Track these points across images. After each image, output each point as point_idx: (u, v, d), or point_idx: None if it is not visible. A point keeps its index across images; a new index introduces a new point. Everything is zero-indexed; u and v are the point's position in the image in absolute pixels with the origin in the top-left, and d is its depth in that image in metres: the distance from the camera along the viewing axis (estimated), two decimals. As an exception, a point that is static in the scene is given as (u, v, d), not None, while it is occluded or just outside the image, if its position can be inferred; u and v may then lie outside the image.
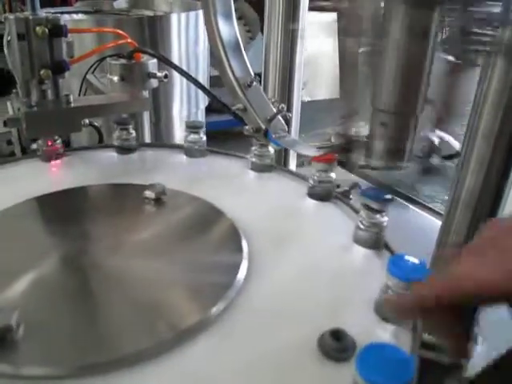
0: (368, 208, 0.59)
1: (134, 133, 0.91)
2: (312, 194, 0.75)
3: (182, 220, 0.68)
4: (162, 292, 0.52)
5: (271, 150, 0.84)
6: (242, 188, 0.80)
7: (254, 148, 0.84)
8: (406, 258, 0.49)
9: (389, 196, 0.59)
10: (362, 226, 0.62)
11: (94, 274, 0.55)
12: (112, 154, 0.90)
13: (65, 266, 0.57)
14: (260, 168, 0.84)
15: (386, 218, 0.61)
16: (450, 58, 0.58)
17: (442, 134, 0.66)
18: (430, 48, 0.51)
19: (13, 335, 0.44)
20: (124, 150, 0.90)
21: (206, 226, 0.66)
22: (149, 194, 0.69)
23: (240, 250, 0.58)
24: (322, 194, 0.74)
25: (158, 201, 0.69)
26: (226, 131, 2.33)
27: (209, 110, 1.97)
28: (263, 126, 0.83)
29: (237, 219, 0.65)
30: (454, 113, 0.64)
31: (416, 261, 0.48)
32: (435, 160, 0.66)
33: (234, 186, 0.80)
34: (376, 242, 0.61)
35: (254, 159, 0.84)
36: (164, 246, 0.61)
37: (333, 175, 0.73)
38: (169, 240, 0.63)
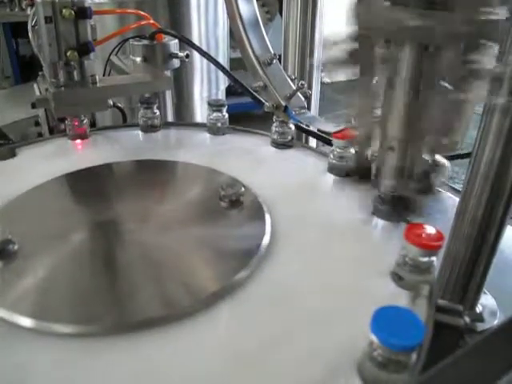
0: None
1: (157, 112, 0.93)
2: (332, 170, 0.76)
3: (205, 193, 0.70)
4: (189, 259, 0.55)
5: (292, 127, 0.86)
6: (263, 163, 0.82)
7: (274, 125, 0.86)
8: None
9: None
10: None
11: (123, 243, 0.58)
12: (137, 133, 0.93)
13: (97, 235, 0.61)
14: (281, 144, 0.85)
15: None
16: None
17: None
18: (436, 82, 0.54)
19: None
20: (149, 128, 0.93)
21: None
22: (225, 193, 0.66)
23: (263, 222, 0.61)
24: (342, 169, 0.75)
25: (234, 202, 0.66)
26: (245, 113, 2.34)
27: (229, 92, 1.98)
28: (283, 103, 0.84)
29: (260, 193, 0.68)
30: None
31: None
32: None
33: (256, 162, 0.82)
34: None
35: (274, 136, 0.86)
36: (189, 218, 0.64)
37: (352, 151, 0.74)
38: (193, 213, 0.66)
